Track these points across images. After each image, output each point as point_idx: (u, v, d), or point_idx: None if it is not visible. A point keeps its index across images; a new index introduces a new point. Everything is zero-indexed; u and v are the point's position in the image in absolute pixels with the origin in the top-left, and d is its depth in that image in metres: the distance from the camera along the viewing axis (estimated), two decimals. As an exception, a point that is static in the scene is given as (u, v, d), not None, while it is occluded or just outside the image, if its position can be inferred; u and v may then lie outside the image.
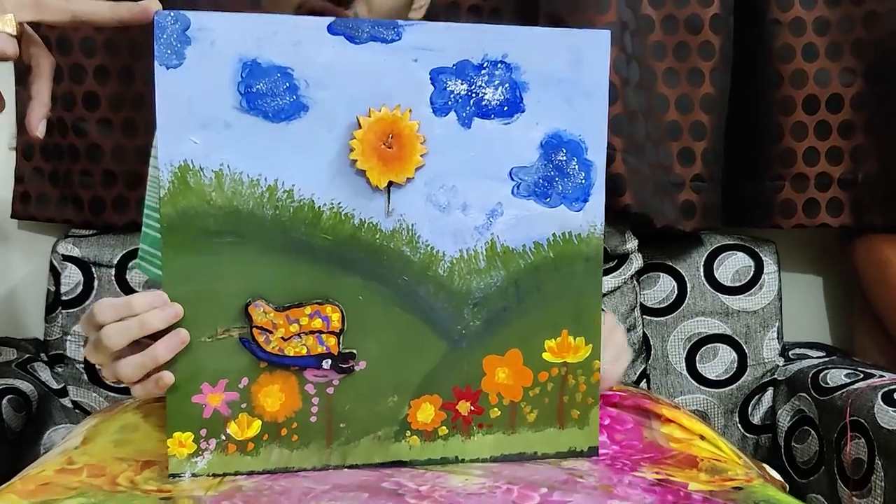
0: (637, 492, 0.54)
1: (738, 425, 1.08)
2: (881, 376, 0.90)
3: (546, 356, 0.59)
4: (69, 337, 1.05)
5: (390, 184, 0.55)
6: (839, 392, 0.90)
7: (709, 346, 1.09)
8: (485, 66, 0.55)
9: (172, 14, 0.52)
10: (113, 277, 1.05)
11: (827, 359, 1.05)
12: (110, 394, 1.04)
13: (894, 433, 0.79)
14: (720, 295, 1.09)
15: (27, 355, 1.03)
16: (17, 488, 0.54)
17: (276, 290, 0.55)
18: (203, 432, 0.55)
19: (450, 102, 0.55)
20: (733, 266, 1.10)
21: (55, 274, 1.06)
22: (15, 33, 0.52)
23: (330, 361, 0.56)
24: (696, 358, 1.09)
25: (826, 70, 1.05)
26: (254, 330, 0.55)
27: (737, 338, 1.08)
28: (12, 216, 1.10)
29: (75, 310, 1.05)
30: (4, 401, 0.90)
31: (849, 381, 0.91)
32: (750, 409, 1.08)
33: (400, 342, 0.57)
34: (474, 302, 0.58)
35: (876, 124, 1.05)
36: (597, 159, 0.57)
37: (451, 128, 0.55)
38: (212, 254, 0.54)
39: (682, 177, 1.07)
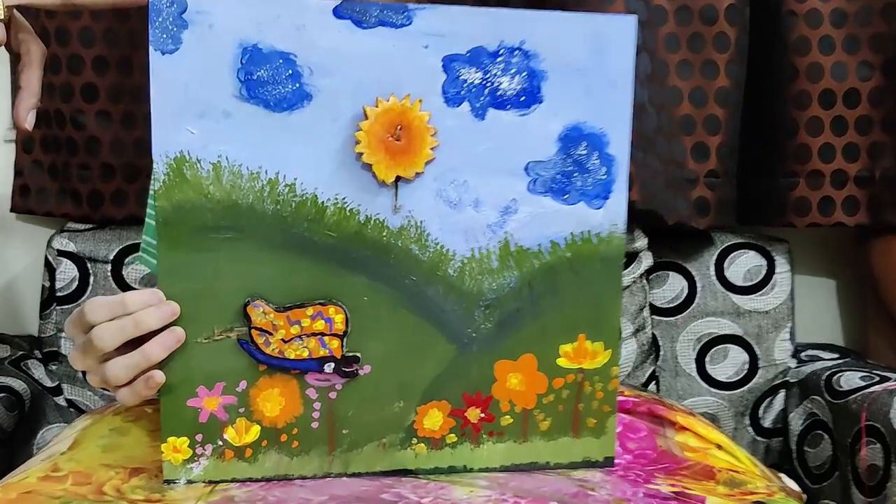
0: (653, 506, 0.53)
1: (749, 428, 1.07)
2: (897, 379, 0.89)
3: (561, 362, 0.58)
4: (64, 334, 1.04)
5: (398, 178, 0.54)
6: (854, 395, 0.89)
7: (719, 347, 1.08)
8: (501, 53, 0.54)
9: None
10: (109, 273, 1.04)
11: (840, 361, 1.04)
12: (106, 393, 1.03)
13: (913, 440, 0.79)
14: (731, 295, 1.08)
15: (21, 352, 1.02)
16: (-3, 496, 0.53)
17: (276, 289, 0.54)
18: (199, 437, 0.55)
19: (463, 92, 0.54)
20: (745, 265, 1.09)
21: (50, 269, 1.05)
22: (3, 17, 0.51)
23: (333, 365, 0.55)
24: (707, 359, 1.08)
25: (843, 64, 1.03)
26: (252, 331, 0.54)
27: (748, 339, 1.08)
28: (12, 210, 1.10)
29: (70, 306, 1.04)
30: (-5, 399, 0.89)
31: (864, 384, 0.90)
32: (761, 411, 1.07)
33: (406, 345, 0.56)
34: (486, 304, 0.57)
35: (894, 120, 1.04)
36: (619, 154, 0.56)
37: (463, 119, 0.54)
38: (209, 250, 0.53)
39: (696, 172, 1.06)
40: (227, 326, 0.54)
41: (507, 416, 0.58)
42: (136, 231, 1.04)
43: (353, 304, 0.55)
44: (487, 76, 0.54)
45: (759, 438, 1.06)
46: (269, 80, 0.52)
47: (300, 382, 0.55)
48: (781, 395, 1.05)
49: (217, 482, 0.55)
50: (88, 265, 1.04)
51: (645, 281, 1.08)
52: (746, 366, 1.07)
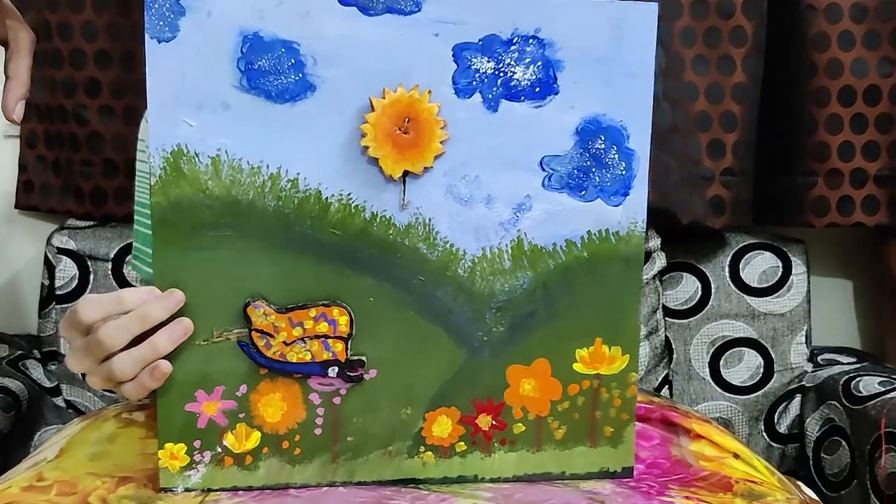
0: (668, 520, 0.52)
1: (764, 434, 1.07)
2: (917, 385, 0.90)
3: (577, 367, 0.57)
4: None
5: (406, 173, 0.53)
6: (873, 401, 0.89)
7: (734, 350, 1.07)
8: (514, 41, 0.52)
9: None
10: (109, 271, 1.04)
11: (858, 365, 1.04)
12: (107, 394, 1.04)
13: (937, 448, 0.79)
14: (746, 297, 1.08)
15: (19, 352, 1.03)
16: (-23, 506, 0.53)
17: (277, 289, 0.53)
18: (197, 444, 0.54)
19: (474, 82, 0.53)
20: (760, 266, 1.08)
21: (49, 267, 1.05)
22: None
23: (336, 369, 0.54)
24: (721, 363, 1.07)
25: (863, 60, 1.03)
26: (253, 333, 0.53)
27: (763, 342, 1.07)
28: (16, 206, 1.10)
29: (70, 304, 1.03)
30: (-8, 400, 0.90)
31: (883, 389, 0.89)
32: (776, 417, 1.06)
33: (414, 349, 0.55)
34: (497, 306, 0.55)
35: (916, 118, 1.05)
36: (640, 148, 0.55)
37: (475, 111, 0.53)
38: (207, 249, 0.52)
39: (712, 170, 1.06)
40: (226, 328, 0.53)
41: (520, 424, 0.57)
42: (135, 229, 1.05)
43: (357, 305, 0.54)
44: (500, 66, 0.53)
45: (774, 444, 1.06)
46: (271, 70, 0.51)
47: (303, 387, 0.54)
48: (797, 400, 1.05)
49: (214, 490, 0.54)
50: (88, 263, 1.05)
51: (658, 282, 1.08)
52: (761, 369, 1.07)
